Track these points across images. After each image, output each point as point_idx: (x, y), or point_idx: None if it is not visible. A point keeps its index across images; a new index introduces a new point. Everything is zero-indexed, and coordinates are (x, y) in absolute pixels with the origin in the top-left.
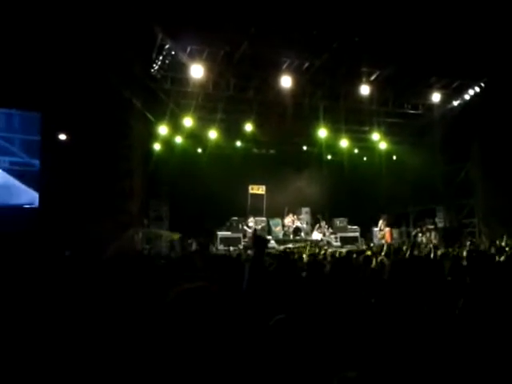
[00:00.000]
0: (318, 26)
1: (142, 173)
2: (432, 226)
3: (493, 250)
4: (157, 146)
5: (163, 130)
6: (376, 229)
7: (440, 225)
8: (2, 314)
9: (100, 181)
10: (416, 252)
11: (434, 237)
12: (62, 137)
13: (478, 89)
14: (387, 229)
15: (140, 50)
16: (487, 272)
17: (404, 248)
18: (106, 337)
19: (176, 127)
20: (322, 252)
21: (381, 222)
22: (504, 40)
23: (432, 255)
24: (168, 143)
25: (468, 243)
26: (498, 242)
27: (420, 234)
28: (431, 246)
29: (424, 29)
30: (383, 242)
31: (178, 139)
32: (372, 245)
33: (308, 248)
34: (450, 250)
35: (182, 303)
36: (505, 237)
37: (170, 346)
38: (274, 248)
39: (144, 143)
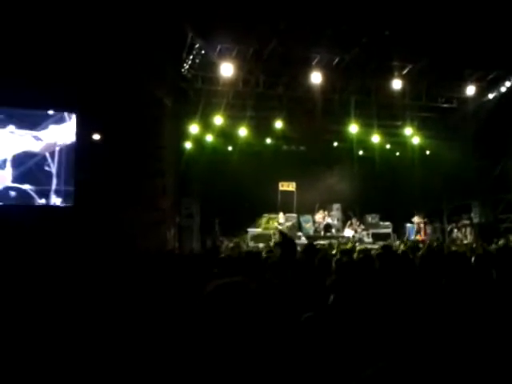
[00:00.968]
0: (348, 20)
1: (173, 171)
2: (467, 222)
3: None
4: (188, 145)
5: (194, 128)
6: (411, 224)
7: (475, 220)
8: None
9: (133, 179)
10: (453, 248)
11: (469, 232)
12: (96, 137)
13: None
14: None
15: (171, 50)
16: None
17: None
18: (137, 330)
19: (206, 126)
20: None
21: (416, 217)
22: None
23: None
24: (199, 142)
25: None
26: None
27: (455, 230)
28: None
29: (457, 19)
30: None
31: (209, 137)
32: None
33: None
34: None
35: (218, 297)
36: None
37: (203, 339)
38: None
39: (175, 142)
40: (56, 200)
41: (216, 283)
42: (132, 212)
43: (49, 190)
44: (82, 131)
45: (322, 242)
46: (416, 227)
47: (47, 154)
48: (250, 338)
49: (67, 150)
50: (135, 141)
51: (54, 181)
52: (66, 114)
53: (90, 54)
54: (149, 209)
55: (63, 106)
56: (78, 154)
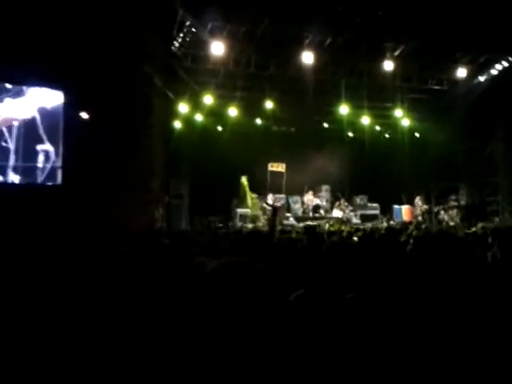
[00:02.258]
0: (342, 0)
1: (162, 150)
2: (455, 204)
3: None
4: (177, 124)
5: (184, 107)
6: (398, 206)
7: (463, 202)
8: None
9: (121, 159)
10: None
11: (456, 214)
12: (84, 115)
13: (505, 63)
14: (425, 206)
15: (161, 27)
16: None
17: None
18: (131, 314)
19: (196, 105)
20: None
21: (418, 198)
22: None
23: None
24: (188, 121)
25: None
26: None
27: (442, 212)
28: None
29: (450, 1)
30: (420, 218)
31: (199, 117)
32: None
33: (329, 224)
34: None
35: (222, 276)
36: None
37: (205, 318)
38: (293, 225)
39: (165, 121)
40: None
41: (221, 261)
42: (120, 191)
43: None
44: (69, 109)
45: (310, 223)
46: (409, 209)
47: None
48: (252, 318)
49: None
50: (124, 119)
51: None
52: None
53: (78, 31)
54: (137, 188)
55: (49, 82)
56: (65, 132)
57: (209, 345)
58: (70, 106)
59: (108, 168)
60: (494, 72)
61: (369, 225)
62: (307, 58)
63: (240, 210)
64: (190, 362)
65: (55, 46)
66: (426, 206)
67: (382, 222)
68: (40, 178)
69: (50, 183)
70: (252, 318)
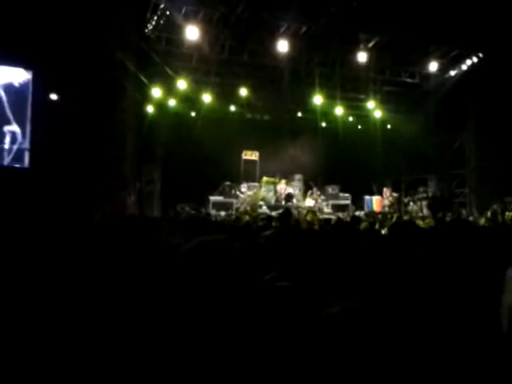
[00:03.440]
0: None
1: (134, 135)
2: (424, 195)
3: (482, 220)
4: (150, 109)
5: (157, 92)
6: (369, 197)
7: (431, 194)
8: None
9: (92, 143)
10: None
11: (424, 206)
12: (54, 97)
13: (475, 59)
14: (394, 195)
15: (133, 10)
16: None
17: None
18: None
19: (170, 90)
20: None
21: (385, 189)
22: (503, 10)
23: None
24: (161, 106)
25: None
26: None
27: (411, 203)
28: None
29: None
30: (387, 209)
31: (172, 102)
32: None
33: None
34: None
35: (199, 255)
36: (495, 206)
37: (181, 305)
38: (265, 213)
39: (137, 105)
40: None
41: (199, 239)
42: (91, 176)
43: None
44: (38, 89)
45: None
46: (387, 199)
47: None
48: (229, 298)
49: None
50: (94, 103)
51: None
52: None
53: (48, 11)
54: (108, 174)
55: (19, 62)
56: (33, 114)
57: (186, 328)
58: (39, 87)
59: (78, 152)
60: (464, 67)
61: (340, 214)
62: (282, 46)
63: (213, 198)
64: (169, 349)
65: (24, 24)
66: (393, 196)
67: (353, 212)
68: (6, 160)
69: (16, 165)
70: (230, 299)
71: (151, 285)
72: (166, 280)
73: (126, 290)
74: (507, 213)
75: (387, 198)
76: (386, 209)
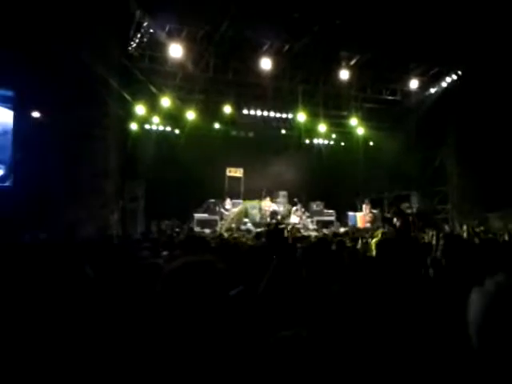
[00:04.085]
0: (300, 8)
1: (118, 153)
2: (408, 211)
3: (465, 235)
4: (134, 126)
5: (140, 109)
6: (353, 213)
7: (414, 210)
8: None
9: (75, 160)
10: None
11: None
12: (36, 115)
13: (455, 76)
14: (373, 212)
15: (117, 28)
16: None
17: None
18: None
19: (153, 107)
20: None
21: (364, 206)
22: (482, 28)
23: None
24: (145, 123)
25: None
26: (468, 228)
27: (395, 219)
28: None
29: (404, 14)
30: (368, 225)
31: (156, 119)
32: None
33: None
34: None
35: (182, 276)
36: (476, 222)
37: (166, 324)
38: (250, 231)
39: (121, 123)
40: None
41: (183, 260)
42: (73, 195)
43: None
44: (21, 110)
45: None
46: (367, 216)
47: None
48: (212, 317)
49: None
50: (77, 121)
51: None
52: None
53: (29, 29)
54: (91, 191)
55: (1, 82)
56: (15, 134)
57: (170, 345)
58: (21, 106)
59: (60, 170)
60: (444, 84)
61: (325, 230)
62: (265, 64)
63: (197, 215)
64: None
65: (5, 44)
66: (372, 213)
67: (339, 229)
68: None
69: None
70: (212, 316)
71: (132, 304)
72: (148, 299)
73: (107, 309)
74: (477, 229)
75: (367, 214)
76: (368, 225)
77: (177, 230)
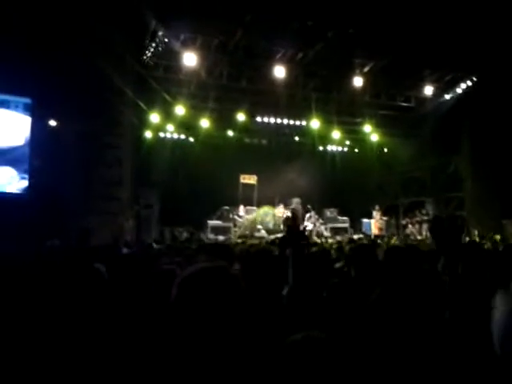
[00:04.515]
0: (313, 16)
1: (132, 160)
2: (423, 218)
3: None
4: (148, 134)
5: (155, 118)
6: (367, 220)
7: (430, 217)
8: None
9: (90, 168)
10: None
11: (423, 228)
12: (53, 123)
13: (469, 83)
14: (384, 218)
15: (132, 37)
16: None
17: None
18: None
19: (168, 115)
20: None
21: (375, 212)
22: (497, 35)
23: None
24: (160, 131)
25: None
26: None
27: (410, 226)
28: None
29: (419, 21)
30: (380, 232)
31: (170, 127)
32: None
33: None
34: None
35: (195, 283)
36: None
37: (178, 332)
38: (263, 238)
39: (135, 131)
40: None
41: (198, 266)
42: (88, 202)
43: None
44: (38, 118)
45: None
46: (378, 222)
47: None
48: (228, 325)
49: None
50: (93, 129)
51: None
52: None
53: (45, 38)
54: (105, 198)
55: (19, 91)
56: (32, 141)
57: (186, 350)
58: (38, 114)
59: (75, 178)
60: (458, 90)
61: (338, 237)
62: (279, 72)
63: (211, 222)
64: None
65: (24, 53)
66: (383, 220)
67: (352, 235)
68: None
69: (15, 191)
70: (226, 322)
71: (148, 309)
72: (164, 305)
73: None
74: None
75: (377, 221)
76: (381, 232)
77: (187, 236)
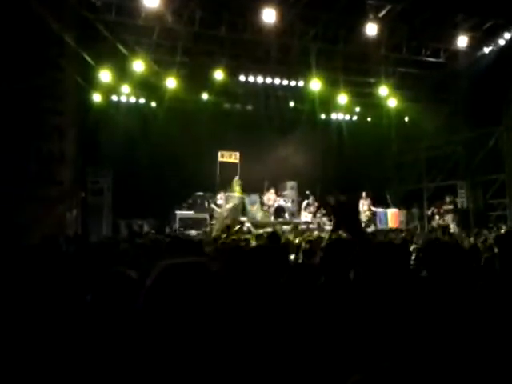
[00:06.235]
0: None
1: (77, 131)
2: (451, 207)
3: None
4: (97, 97)
5: (106, 76)
6: (382, 210)
7: (460, 206)
8: None
9: (21, 141)
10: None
11: (452, 220)
12: None
13: None
14: (371, 209)
15: None
16: None
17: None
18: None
19: (123, 73)
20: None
21: (362, 201)
22: None
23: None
24: (112, 94)
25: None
26: None
27: (437, 217)
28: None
29: None
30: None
31: (126, 89)
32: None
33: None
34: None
35: (168, 281)
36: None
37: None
38: (250, 232)
39: (80, 93)
40: None
41: (168, 262)
42: (19, 185)
43: None
44: None
45: (268, 230)
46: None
47: None
48: (202, 321)
49: None
50: (24, 91)
51: None
52: None
53: None
54: (42, 181)
55: None
56: None
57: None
58: None
59: (1, 154)
60: (501, 42)
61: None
62: (268, 15)
63: (180, 213)
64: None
65: None
66: (371, 211)
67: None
68: None
69: None
70: (203, 321)
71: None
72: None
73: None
74: None
75: (364, 212)
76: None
77: (149, 231)
